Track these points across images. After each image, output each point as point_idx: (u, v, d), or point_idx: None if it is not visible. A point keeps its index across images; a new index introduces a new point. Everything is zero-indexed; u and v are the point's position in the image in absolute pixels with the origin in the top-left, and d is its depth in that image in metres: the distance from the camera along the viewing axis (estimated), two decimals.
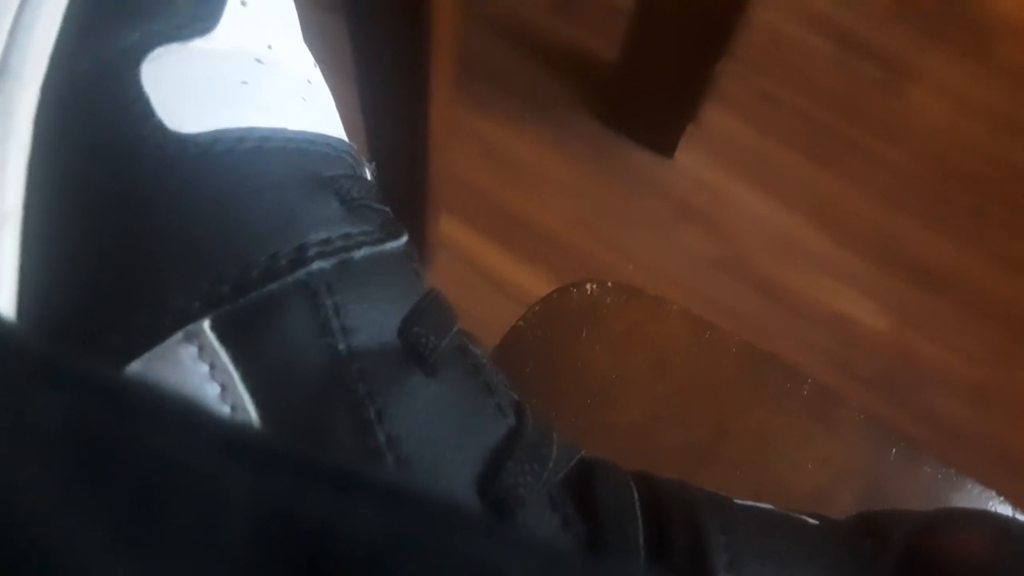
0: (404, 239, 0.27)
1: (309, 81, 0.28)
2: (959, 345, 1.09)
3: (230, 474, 0.14)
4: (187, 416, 0.15)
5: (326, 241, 0.23)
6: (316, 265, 0.22)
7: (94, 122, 0.22)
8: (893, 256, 1.13)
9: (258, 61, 0.25)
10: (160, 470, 0.14)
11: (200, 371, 0.21)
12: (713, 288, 1.09)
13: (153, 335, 0.21)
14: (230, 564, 0.14)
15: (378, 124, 0.79)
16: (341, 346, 0.22)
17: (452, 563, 0.15)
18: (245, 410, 0.21)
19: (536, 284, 1.04)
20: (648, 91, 1.09)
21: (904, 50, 1.26)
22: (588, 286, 0.34)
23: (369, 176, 0.29)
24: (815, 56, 1.25)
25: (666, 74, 1.04)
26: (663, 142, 1.14)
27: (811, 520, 0.24)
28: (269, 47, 0.26)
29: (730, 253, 1.11)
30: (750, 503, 0.24)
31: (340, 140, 0.28)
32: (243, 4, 0.26)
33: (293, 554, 0.14)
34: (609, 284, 0.34)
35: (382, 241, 0.25)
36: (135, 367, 0.21)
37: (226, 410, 0.21)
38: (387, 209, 0.27)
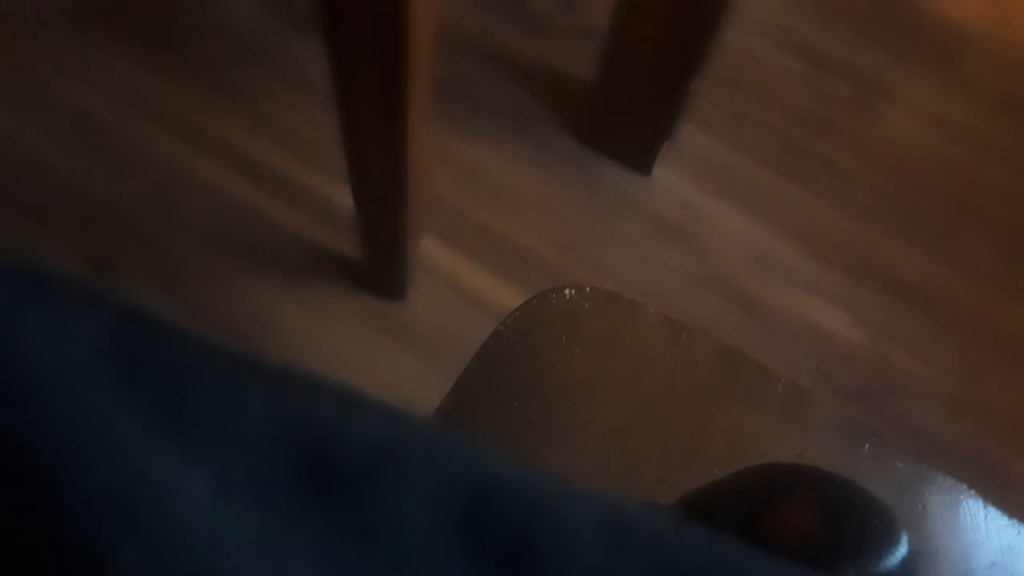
0: None
1: None
2: (934, 356, 1.10)
3: (248, 384, 0.16)
4: (208, 339, 0.17)
5: None
6: None
7: None
8: (867, 270, 1.14)
9: None
10: (186, 375, 0.15)
11: None
12: (691, 303, 1.10)
13: None
14: (255, 448, 0.15)
15: (358, 147, 0.79)
16: None
17: (451, 454, 0.17)
18: None
19: (516, 301, 1.05)
20: (624, 110, 1.11)
21: (874, 68, 1.29)
22: (567, 291, 0.35)
23: None
24: (787, 75, 1.27)
25: (642, 93, 1.05)
26: (640, 160, 1.15)
27: None
28: None
29: (708, 268, 1.12)
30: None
31: None
32: None
33: (308, 445, 0.15)
34: (587, 289, 0.35)
35: None
36: None
37: None
38: None
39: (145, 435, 0.14)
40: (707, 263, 1.13)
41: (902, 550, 0.23)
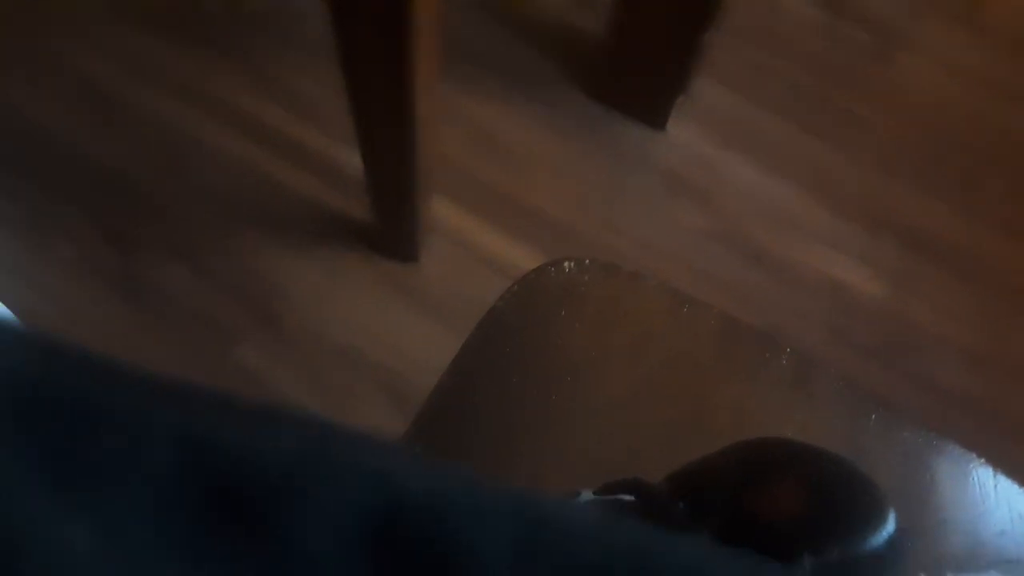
0: None
1: None
2: (954, 310, 1.09)
3: (153, 412, 0.16)
4: (113, 365, 0.16)
5: None
6: None
7: None
8: (887, 222, 1.12)
9: None
10: (86, 411, 0.15)
11: None
12: (707, 261, 1.09)
13: None
14: (154, 488, 0.15)
15: (366, 109, 0.78)
16: None
17: (358, 473, 0.16)
18: None
19: (529, 262, 1.04)
20: (637, 64, 1.08)
21: (895, 17, 1.25)
22: (566, 264, 0.34)
23: None
24: (805, 25, 1.24)
25: (654, 46, 1.03)
26: (654, 115, 1.14)
27: (627, 498, 0.25)
28: None
29: (724, 225, 1.11)
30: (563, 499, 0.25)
31: None
32: None
33: (213, 476, 0.15)
34: (587, 261, 0.34)
35: None
36: None
37: None
38: None
39: (35, 488, 0.14)
40: (723, 219, 1.11)
41: (889, 529, 0.23)
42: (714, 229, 1.11)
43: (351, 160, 1.04)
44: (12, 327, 0.16)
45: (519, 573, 0.16)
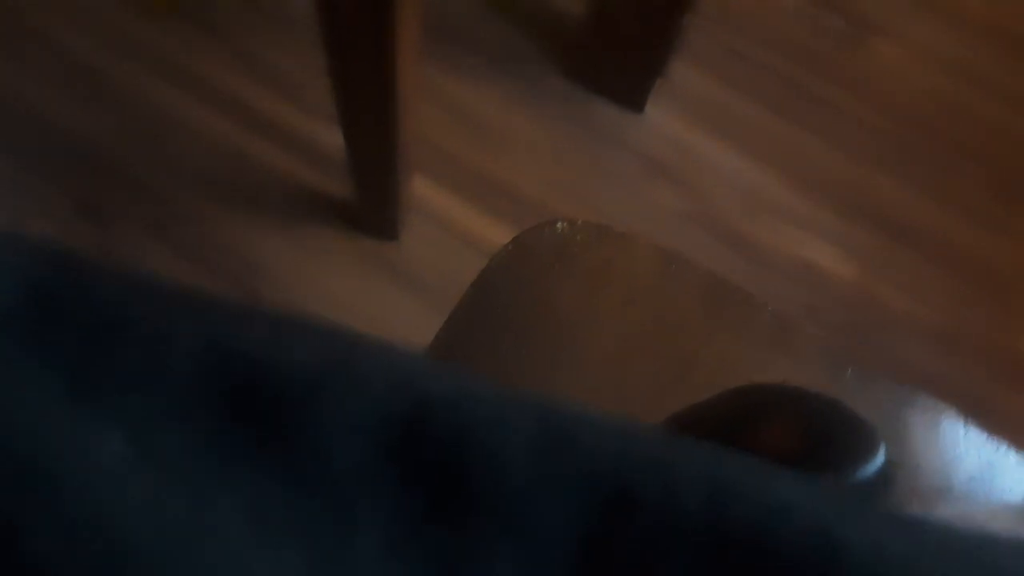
0: None
1: None
2: (923, 293, 1.11)
3: (173, 320, 0.16)
4: (131, 275, 0.16)
5: None
6: None
7: None
8: (859, 207, 1.15)
9: None
10: (108, 320, 0.15)
11: None
12: (682, 242, 1.10)
13: None
14: (175, 394, 0.15)
15: (348, 87, 0.79)
16: None
17: (383, 378, 0.16)
18: None
19: (507, 240, 1.05)
20: (616, 46, 1.10)
21: (871, 4, 1.27)
22: (559, 224, 0.35)
23: None
24: (781, 11, 1.25)
25: (633, 29, 1.04)
26: (632, 98, 1.15)
27: None
28: None
29: (698, 207, 1.13)
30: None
31: None
32: None
33: (238, 381, 0.15)
34: (579, 222, 0.35)
35: None
36: None
37: None
38: None
39: (57, 400, 0.14)
40: (698, 201, 1.13)
41: (879, 460, 0.24)
42: (689, 211, 1.12)
43: (332, 138, 1.04)
44: (28, 238, 0.16)
45: (536, 474, 0.16)
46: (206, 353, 0.15)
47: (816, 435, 0.25)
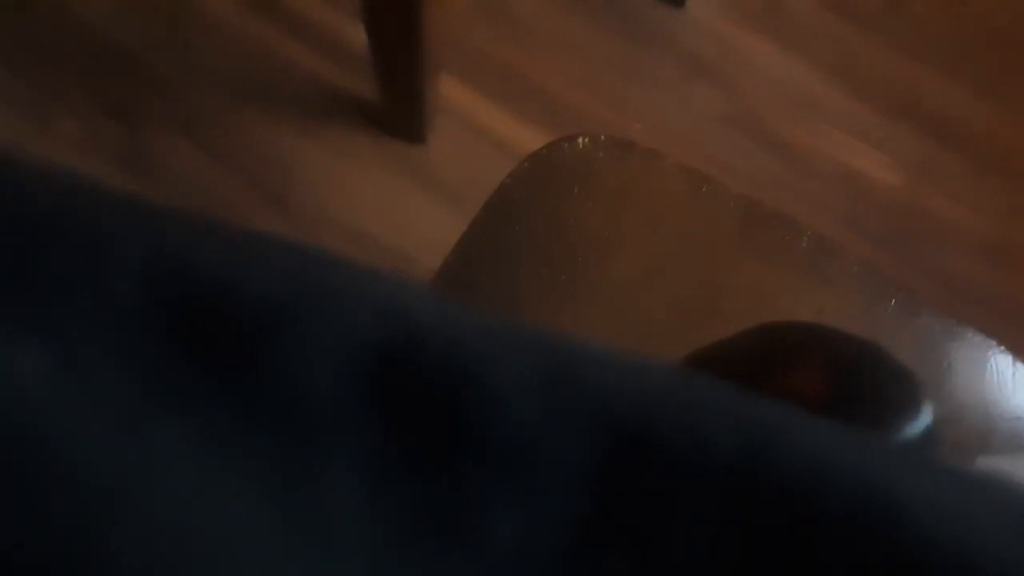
0: None
1: None
2: (972, 201, 1.07)
3: (115, 228, 0.14)
4: (77, 179, 0.14)
5: None
6: None
7: None
8: (909, 109, 1.09)
9: None
10: (44, 225, 0.13)
11: None
12: (722, 147, 1.06)
13: None
14: (116, 311, 0.13)
15: None
16: None
17: (362, 303, 0.14)
18: None
19: (538, 143, 1.02)
20: None
21: None
22: (580, 140, 0.33)
23: None
24: None
25: None
26: None
27: None
28: None
29: (740, 109, 1.08)
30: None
31: None
32: None
33: (188, 298, 0.13)
34: (602, 138, 0.33)
35: None
36: None
37: None
38: None
39: None
40: (740, 103, 1.08)
41: (924, 420, 0.22)
42: (730, 113, 1.08)
43: (359, 37, 1.00)
44: None
45: (540, 414, 0.14)
46: (152, 266, 0.13)
47: (846, 383, 0.23)
